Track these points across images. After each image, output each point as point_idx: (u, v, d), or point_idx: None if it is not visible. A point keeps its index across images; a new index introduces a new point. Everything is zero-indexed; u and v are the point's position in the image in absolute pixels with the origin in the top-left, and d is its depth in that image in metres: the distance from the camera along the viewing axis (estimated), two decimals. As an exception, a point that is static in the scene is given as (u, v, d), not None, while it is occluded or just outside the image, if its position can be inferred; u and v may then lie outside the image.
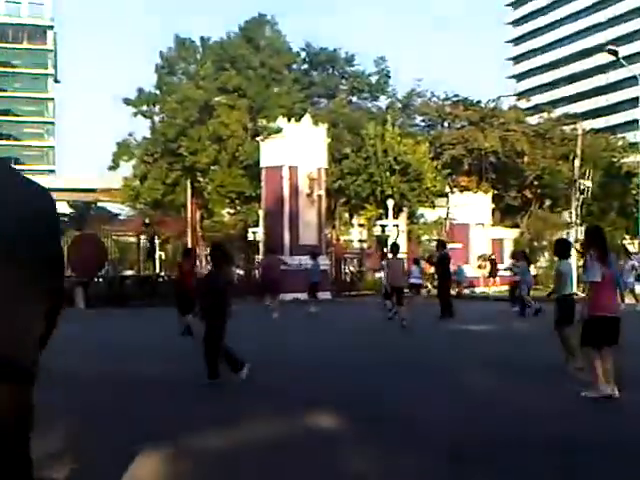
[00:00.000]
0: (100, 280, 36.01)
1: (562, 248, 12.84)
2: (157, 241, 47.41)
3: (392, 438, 7.62)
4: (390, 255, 23.26)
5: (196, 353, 11.08)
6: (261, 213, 43.10)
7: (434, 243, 54.57)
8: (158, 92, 50.89)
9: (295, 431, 7.89)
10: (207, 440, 7.45)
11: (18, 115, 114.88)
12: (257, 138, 44.16)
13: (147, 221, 46.69)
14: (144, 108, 50.84)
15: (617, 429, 7.91)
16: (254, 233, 46.06)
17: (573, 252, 20.98)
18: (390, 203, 46.73)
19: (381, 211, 48.53)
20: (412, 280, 27.52)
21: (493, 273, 42.66)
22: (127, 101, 50.31)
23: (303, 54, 57.71)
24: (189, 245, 48.08)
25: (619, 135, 75.43)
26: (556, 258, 13.29)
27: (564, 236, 54.00)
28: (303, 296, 28.88)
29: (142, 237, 43.12)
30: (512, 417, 8.56)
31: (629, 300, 22.76)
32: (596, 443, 7.19)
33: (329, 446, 7.28)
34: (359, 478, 6.29)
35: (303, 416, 8.54)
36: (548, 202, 65.16)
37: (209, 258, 12.01)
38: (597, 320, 9.36)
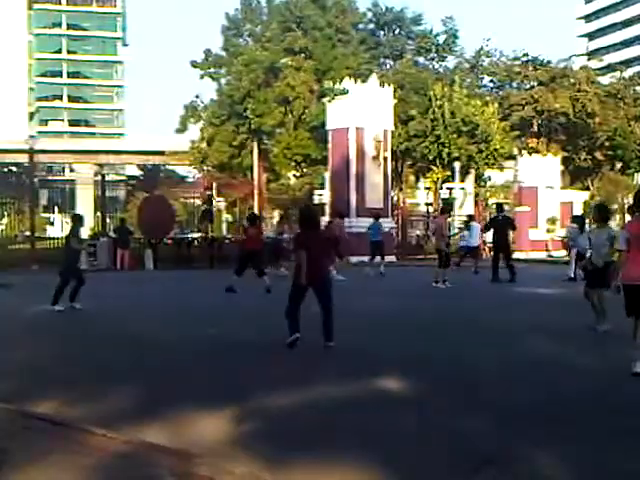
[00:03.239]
0: (168, 242, 36.47)
1: (601, 213, 12.60)
2: (219, 204, 47.81)
3: (456, 399, 7.60)
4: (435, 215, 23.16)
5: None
6: (327, 176, 43.05)
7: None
8: (224, 54, 50.99)
9: (359, 392, 7.92)
10: (274, 399, 7.53)
11: (88, 78, 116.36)
12: (323, 100, 43.99)
13: (207, 185, 47.06)
14: (211, 70, 51.04)
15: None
16: (320, 196, 46.06)
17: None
18: (457, 165, 46.25)
19: (448, 174, 48.06)
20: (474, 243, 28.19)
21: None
22: (194, 63, 50.55)
23: (369, 14, 57.06)
24: (255, 208, 48.36)
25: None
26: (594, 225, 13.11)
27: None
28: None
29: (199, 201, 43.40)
30: (576, 378, 8.45)
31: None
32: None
33: (393, 406, 7.29)
34: (422, 438, 6.27)
35: (367, 377, 8.55)
36: (619, 164, 63.81)
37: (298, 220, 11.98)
38: (628, 289, 9.13)
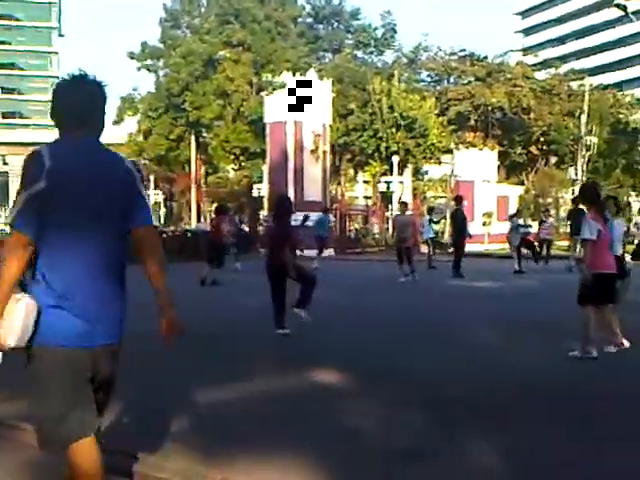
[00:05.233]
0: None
1: (617, 205, 12.59)
2: (156, 197, 47.37)
3: (392, 392, 7.63)
4: (397, 212, 23.08)
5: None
6: (265, 169, 42.97)
7: (439, 200, 54.77)
8: (162, 46, 50.49)
9: (298, 384, 7.90)
10: (210, 392, 7.47)
11: (22, 69, 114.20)
12: (262, 93, 43.89)
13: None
14: (148, 62, 50.50)
15: (611, 381, 7.90)
16: (259, 189, 45.97)
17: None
18: (395, 159, 46.52)
19: (386, 167, 48.33)
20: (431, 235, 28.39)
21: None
22: (131, 55, 49.97)
23: (308, 7, 57.14)
24: (193, 201, 48.10)
25: (627, 91, 74.78)
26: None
27: (569, 193, 53.91)
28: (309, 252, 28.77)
29: (147, 193, 43.03)
30: (511, 370, 8.54)
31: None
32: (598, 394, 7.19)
33: (330, 399, 7.28)
34: (357, 431, 6.27)
35: (306, 370, 8.54)
36: (554, 159, 64.87)
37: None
38: (596, 277, 9.32)
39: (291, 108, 37.24)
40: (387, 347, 10.43)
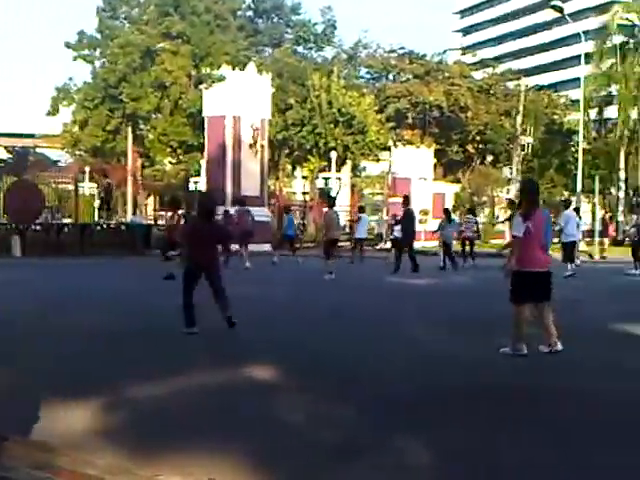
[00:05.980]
0: (37, 228, 35.30)
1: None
2: (91, 190, 46.76)
3: (328, 388, 7.63)
4: (326, 208, 23.01)
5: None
6: (203, 163, 42.69)
7: (377, 197, 55.11)
8: (99, 36, 49.70)
9: (232, 379, 7.86)
10: (143, 388, 7.39)
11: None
12: (200, 86, 43.56)
13: (79, 170, 46.01)
14: (85, 52, 49.66)
15: (546, 379, 8.02)
16: (196, 183, 45.65)
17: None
18: (333, 155, 46.61)
19: (324, 163, 48.42)
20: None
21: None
22: (67, 45, 49.10)
23: (248, 1, 56.81)
24: (129, 194, 47.56)
25: (561, 92, 76.06)
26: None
27: (504, 192, 54.69)
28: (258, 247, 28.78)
29: (82, 185, 42.44)
30: (445, 367, 8.60)
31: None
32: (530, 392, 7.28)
33: (265, 394, 7.26)
34: (291, 426, 6.26)
35: (242, 364, 8.50)
36: (490, 158, 65.71)
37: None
38: (524, 275, 9.42)
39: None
40: (324, 344, 10.43)
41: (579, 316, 12.21)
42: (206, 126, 40.29)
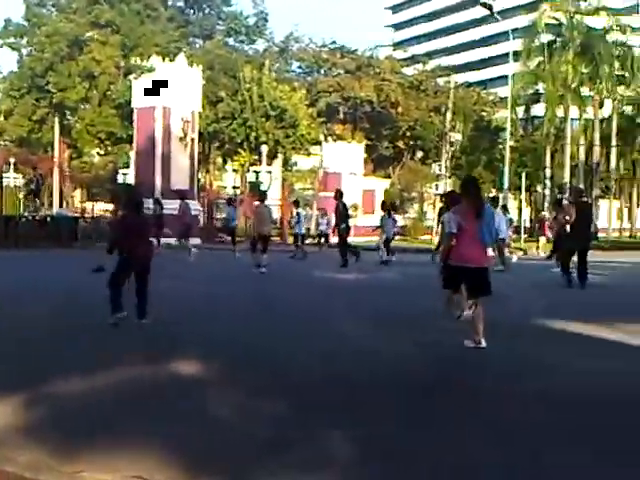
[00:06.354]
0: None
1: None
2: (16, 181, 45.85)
3: (255, 381, 7.59)
4: (257, 202, 22.82)
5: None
6: (132, 155, 42.15)
7: (308, 192, 55.10)
8: (26, 24, 48.64)
9: (157, 374, 7.75)
10: (68, 383, 7.24)
11: None
12: (130, 77, 42.98)
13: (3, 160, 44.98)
14: (11, 40, 48.56)
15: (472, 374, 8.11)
16: (124, 175, 45.04)
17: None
18: (264, 149, 46.43)
19: (255, 157, 48.25)
20: (321, 228, 28.74)
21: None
22: (-8, 32, 47.98)
23: (179, -8, 56.34)
24: (55, 185, 46.69)
25: (490, 90, 77.17)
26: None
27: (433, 188, 55.19)
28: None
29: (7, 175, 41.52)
30: (374, 360, 8.64)
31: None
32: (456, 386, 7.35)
33: (192, 389, 7.18)
34: (218, 419, 6.21)
35: (171, 359, 8.39)
36: (420, 154, 66.32)
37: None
38: (459, 270, 9.57)
39: (147, 92, 36.53)
40: (252, 338, 10.37)
41: (505, 311, 12.37)
42: (135, 117, 39.78)
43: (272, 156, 48.40)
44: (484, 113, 68.73)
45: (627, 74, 57.03)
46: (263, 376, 7.96)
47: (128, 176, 43.25)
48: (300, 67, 67.58)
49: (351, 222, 25.94)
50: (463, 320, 10.10)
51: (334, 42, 66.67)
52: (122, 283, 10.74)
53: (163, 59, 40.41)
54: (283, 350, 9.50)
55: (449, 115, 54.85)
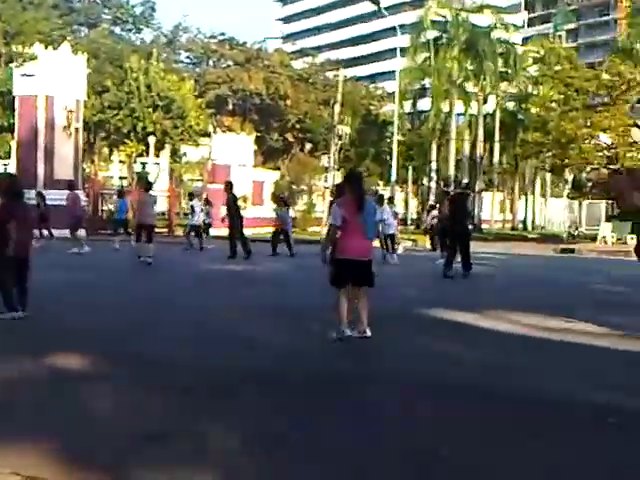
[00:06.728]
0: None
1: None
2: None
3: (136, 376, 7.51)
4: (141, 191, 22.42)
5: None
6: (13, 144, 40.89)
7: (197, 183, 54.62)
8: None
9: (35, 370, 7.58)
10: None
11: None
12: (11, 64, 41.70)
13: None
14: None
15: (362, 365, 8.21)
16: (5, 165, 43.68)
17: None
18: (152, 140, 45.82)
19: (142, 148, 47.57)
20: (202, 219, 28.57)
21: None
22: None
23: (63, -22, 55.01)
24: None
25: (378, 84, 78.16)
26: None
27: (322, 180, 55.58)
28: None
29: None
30: (257, 353, 8.63)
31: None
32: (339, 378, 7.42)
33: (72, 383, 7.05)
34: (98, 414, 6.11)
35: (44, 356, 8.19)
36: (309, 146, 66.65)
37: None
38: (343, 262, 9.64)
39: (28, 80, 35.66)
40: (130, 331, 10.24)
41: (389, 301, 12.56)
42: (17, 106, 38.58)
43: (160, 147, 47.82)
44: (372, 107, 69.56)
45: (510, 71, 58.69)
46: (141, 368, 7.88)
47: (9, 166, 41.96)
48: (189, 58, 67.00)
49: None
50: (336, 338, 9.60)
51: (223, 33, 66.36)
52: (12, 284, 10.52)
53: (46, 47, 39.30)
54: (161, 342, 9.41)
55: (338, 108, 55.16)
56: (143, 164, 45.79)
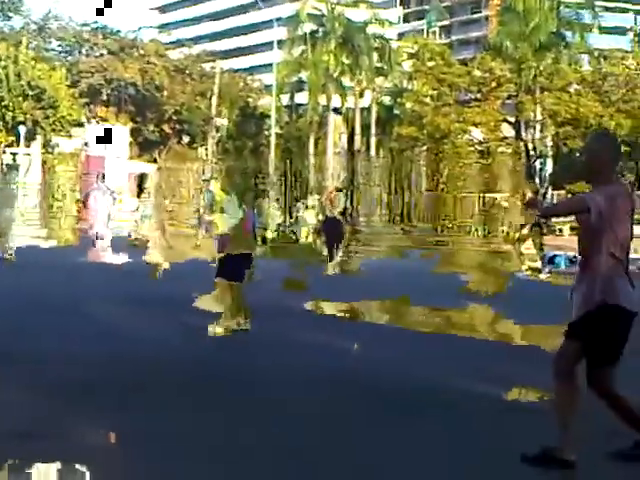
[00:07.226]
0: None
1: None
2: None
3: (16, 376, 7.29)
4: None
5: None
6: None
7: (71, 174, 53.27)
8: None
9: None
10: None
11: None
12: None
13: None
14: None
15: (243, 359, 8.20)
16: None
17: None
18: (22, 130, 44.51)
19: (12, 138, 46.13)
20: None
21: None
22: None
23: None
24: None
25: (256, 76, 77.95)
26: None
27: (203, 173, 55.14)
28: None
29: None
30: (137, 348, 8.50)
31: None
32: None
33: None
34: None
35: None
36: (186, 138, 65.97)
37: None
38: (230, 256, 9.73)
39: None
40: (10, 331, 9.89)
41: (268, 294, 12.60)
42: None
43: (31, 137, 46.46)
44: (250, 99, 69.36)
45: (385, 66, 59.49)
46: (20, 367, 7.63)
47: None
48: (60, 46, 65.21)
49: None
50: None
51: (96, 22, 64.88)
52: None
53: None
54: (48, 340, 9.16)
55: (215, 100, 54.84)
56: (13, 154, 44.36)
